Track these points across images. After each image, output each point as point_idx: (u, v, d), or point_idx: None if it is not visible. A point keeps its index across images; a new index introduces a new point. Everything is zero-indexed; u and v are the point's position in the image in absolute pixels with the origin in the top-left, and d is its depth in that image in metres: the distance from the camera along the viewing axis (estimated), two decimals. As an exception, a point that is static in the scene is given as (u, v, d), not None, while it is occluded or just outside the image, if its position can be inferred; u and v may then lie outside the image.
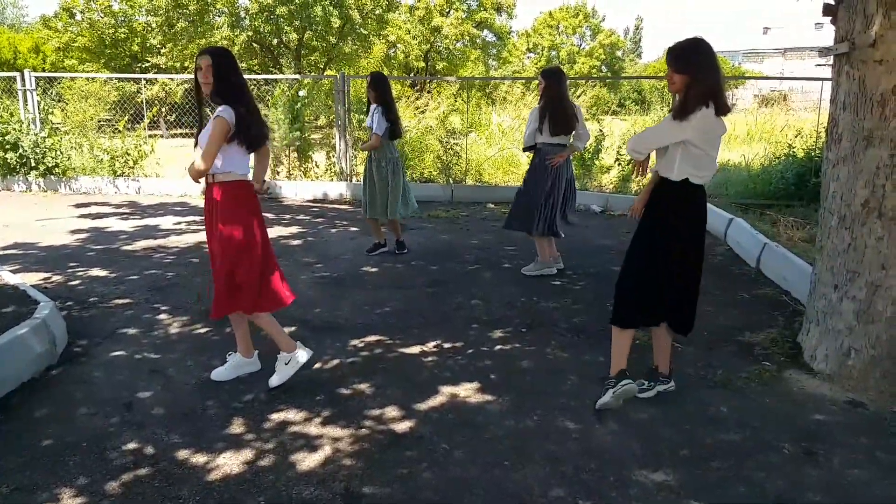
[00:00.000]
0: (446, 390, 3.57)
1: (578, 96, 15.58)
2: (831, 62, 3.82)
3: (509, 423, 3.24)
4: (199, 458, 2.91)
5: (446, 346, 4.20)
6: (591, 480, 2.78)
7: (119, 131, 10.91)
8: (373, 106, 5.99)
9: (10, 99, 10.54)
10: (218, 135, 3.23)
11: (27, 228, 7.51)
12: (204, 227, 3.65)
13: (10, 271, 5.34)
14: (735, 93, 30.95)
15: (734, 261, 6.28)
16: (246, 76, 3.54)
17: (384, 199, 6.12)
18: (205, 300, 4.81)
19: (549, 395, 3.52)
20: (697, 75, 3.07)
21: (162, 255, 6.38)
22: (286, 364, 3.58)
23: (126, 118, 11.30)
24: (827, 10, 3.78)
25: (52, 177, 10.21)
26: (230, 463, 2.88)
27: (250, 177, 3.55)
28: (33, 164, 10.10)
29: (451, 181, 10.27)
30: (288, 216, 8.52)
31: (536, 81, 5.57)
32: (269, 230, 3.65)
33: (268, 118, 9.74)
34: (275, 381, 3.56)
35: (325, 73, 20.92)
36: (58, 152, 10.22)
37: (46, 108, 10.73)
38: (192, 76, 3.47)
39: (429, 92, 16.49)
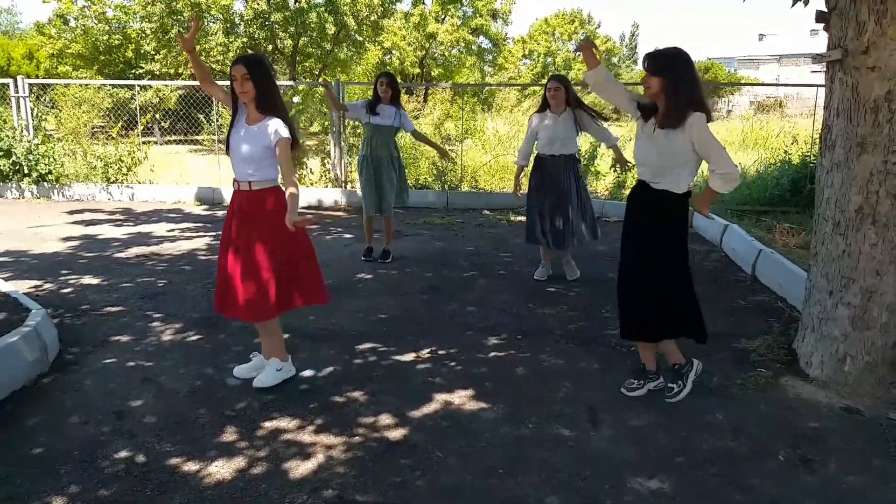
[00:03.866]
0: (440, 397, 3.56)
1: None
2: (825, 69, 3.83)
3: (504, 431, 3.22)
4: (192, 466, 2.88)
5: (441, 352, 4.18)
6: (586, 488, 2.76)
7: (113, 138, 10.88)
8: (391, 106, 6.08)
9: (3, 105, 10.50)
10: (288, 154, 3.42)
11: (19, 235, 7.47)
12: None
13: (2, 278, 5.30)
14: (731, 99, 31.13)
15: (729, 267, 6.28)
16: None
17: (392, 194, 6.24)
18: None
19: (543, 403, 3.51)
20: (678, 81, 3.19)
21: (155, 262, 6.35)
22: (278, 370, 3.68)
23: (120, 125, 11.29)
24: (820, 16, 3.80)
25: (45, 184, 10.17)
26: (222, 471, 2.85)
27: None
28: (26, 171, 10.05)
29: (447, 188, 10.27)
30: (282, 223, 8.47)
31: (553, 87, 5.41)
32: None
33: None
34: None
35: (319, 80, 20.92)
36: (51, 159, 10.18)
37: (40, 114, 10.70)
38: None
39: (425, 101, 16.55)
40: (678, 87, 3.18)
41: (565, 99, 5.42)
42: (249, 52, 20.73)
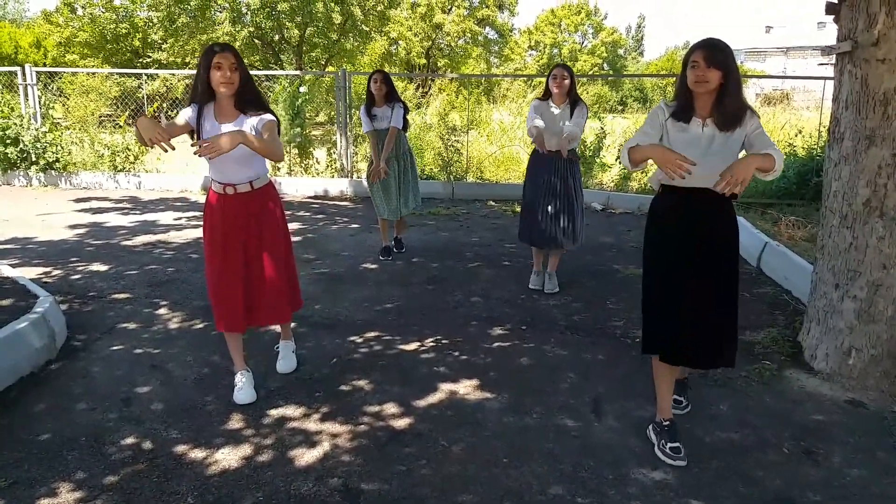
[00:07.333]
0: (445, 387, 3.57)
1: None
2: (834, 61, 3.81)
3: (508, 421, 3.24)
4: (198, 454, 2.90)
5: (445, 342, 4.19)
6: (590, 478, 2.77)
7: (120, 126, 10.89)
8: (387, 106, 5.73)
9: (10, 94, 10.51)
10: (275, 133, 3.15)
11: (27, 223, 7.50)
12: (204, 226, 3.44)
13: (10, 265, 5.33)
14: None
15: (735, 259, 6.26)
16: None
17: (401, 194, 6.00)
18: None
19: (547, 393, 3.52)
20: (735, 74, 2.87)
21: (161, 250, 6.37)
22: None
23: (127, 113, 11.28)
24: (830, 8, 3.77)
25: (52, 172, 10.19)
26: (228, 458, 2.88)
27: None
28: (34, 159, 10.08)
29: (452, 178, 10.26)
30: (288, 212, 8.38)
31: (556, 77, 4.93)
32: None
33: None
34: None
35: (326, 70, 20.89)
36: (58, 147, 10.19)
37: (47, 102, 10.69)
38: (194, 72, 3.28)
39: (428, 92, 16.49)
40: (737, 81, 2.86)
41: (569, 90, 4.99)
42: (256, 41, 20.71)
